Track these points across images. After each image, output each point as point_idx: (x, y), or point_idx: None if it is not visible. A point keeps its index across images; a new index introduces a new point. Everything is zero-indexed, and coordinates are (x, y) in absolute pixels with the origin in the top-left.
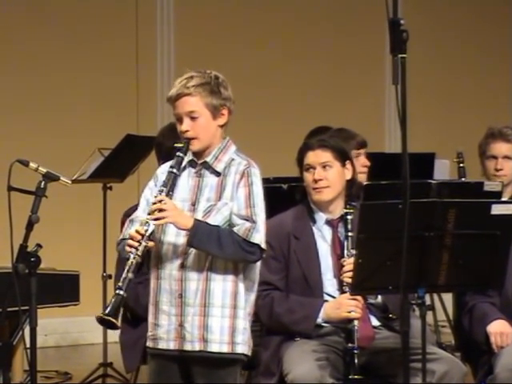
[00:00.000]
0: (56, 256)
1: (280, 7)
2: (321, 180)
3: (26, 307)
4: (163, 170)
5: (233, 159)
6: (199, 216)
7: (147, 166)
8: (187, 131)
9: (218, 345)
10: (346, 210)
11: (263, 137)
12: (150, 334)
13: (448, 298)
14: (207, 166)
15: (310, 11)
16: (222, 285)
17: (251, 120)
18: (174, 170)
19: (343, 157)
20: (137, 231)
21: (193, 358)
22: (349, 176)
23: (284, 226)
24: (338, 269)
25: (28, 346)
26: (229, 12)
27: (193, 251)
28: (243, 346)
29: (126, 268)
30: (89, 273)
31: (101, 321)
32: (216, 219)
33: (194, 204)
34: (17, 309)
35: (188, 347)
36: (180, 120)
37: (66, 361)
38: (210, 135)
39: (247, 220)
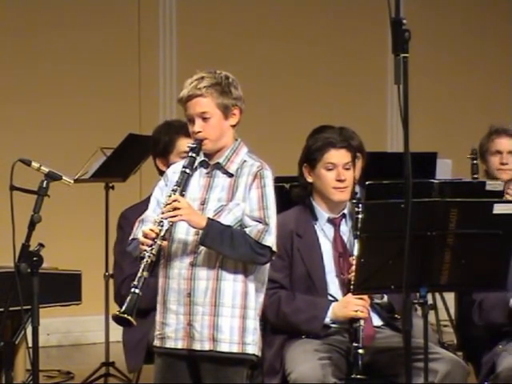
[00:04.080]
0: (58, 255)
1: (282, 6)
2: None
3: (28, 306)
4: (174, 170)
5: (245, 160)
6: (209, 215)
7: (149, 165)
8: (199, 132)
9: (228, 345)
10: (356, 209)
11: (264, 136)
12: (157, 332)
13: (450, 297)
14: (219, 167)
15: (312, 11)
16: (233, 285)
17: (252, 119)
18: (187, 170)
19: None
20: (151, 230)
21: (201, 357)
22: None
23: (287, 225)
24: (340, 267)
25: (30, 345)
26: (231, 8)
27: (203, 250)
28: (253, 347)
29: (141, 267)
30: (91, 272)
31: (116, 319)
32: (227, 219)
33: (203, 203)
34: (19, 308)
35: (197, 346)
36: (192, 121)
37: (68, 360)
38: (221, 135)
39: (260, 222)
